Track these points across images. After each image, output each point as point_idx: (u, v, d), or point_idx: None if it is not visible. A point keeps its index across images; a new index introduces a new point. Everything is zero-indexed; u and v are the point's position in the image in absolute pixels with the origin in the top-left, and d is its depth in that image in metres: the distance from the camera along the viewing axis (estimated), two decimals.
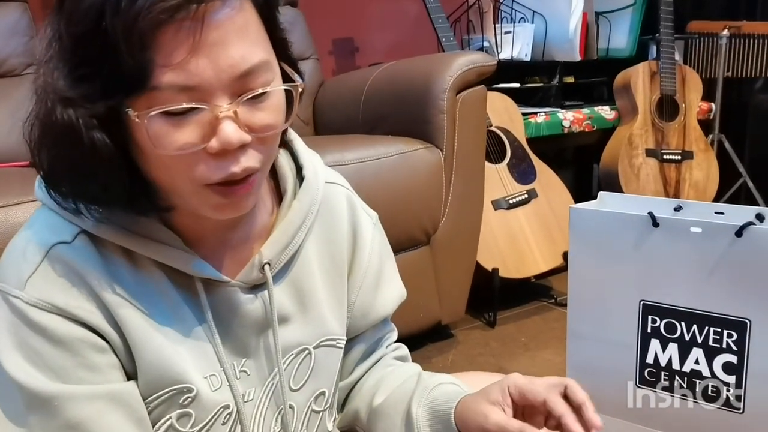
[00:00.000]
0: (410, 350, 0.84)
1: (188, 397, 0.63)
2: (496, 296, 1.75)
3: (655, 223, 1.05)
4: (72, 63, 0.52)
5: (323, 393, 0.73)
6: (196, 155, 0.54)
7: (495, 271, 1.73)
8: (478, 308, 1.80)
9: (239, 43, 0.53)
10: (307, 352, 0.71)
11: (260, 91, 0.54)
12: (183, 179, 0.55)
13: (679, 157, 2.24)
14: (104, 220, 0.59)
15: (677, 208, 1.12)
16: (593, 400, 1.12)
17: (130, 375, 0.62)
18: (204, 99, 0.52)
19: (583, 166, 2.54)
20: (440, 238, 1.52)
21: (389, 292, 0.78)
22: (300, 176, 0.70)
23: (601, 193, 1.20)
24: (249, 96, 0.54)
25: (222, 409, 0.65)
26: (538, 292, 1.93)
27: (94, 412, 0.58)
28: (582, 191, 2.27)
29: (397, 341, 0.84)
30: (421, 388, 0.73)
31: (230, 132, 0.53)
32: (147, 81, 0.50)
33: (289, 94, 0.58)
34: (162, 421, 0.63)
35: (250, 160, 0.56)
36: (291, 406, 0.70)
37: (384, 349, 0.80)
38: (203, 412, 0.64)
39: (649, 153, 2.23)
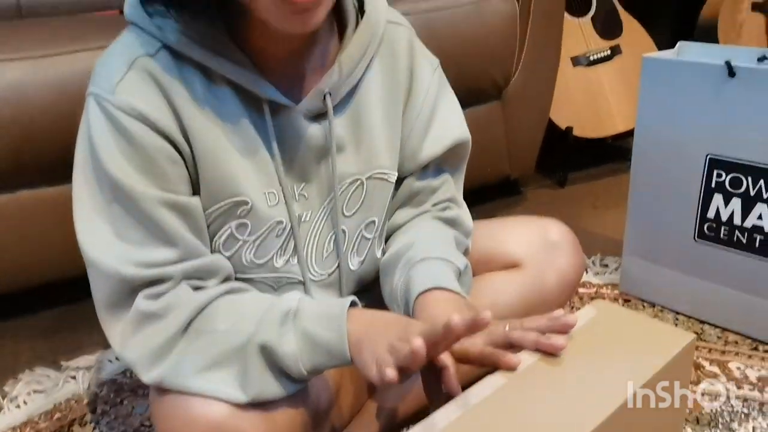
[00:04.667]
0: (476, 204, 0.84)
1: (244, 209, 0.69)
2: (568, 155, 1.73)
3: (732, 73, 1.01)
4: None
5: (373, 222, 0.78)
6: None
7: (569, 129, 1.70)
8: (549, 167, 1.79)
9: None
10: (359, 182, 0.76)
11: None
12: None
13: None
14: (185, 37, 0.64)
15: (761, 58, 1.06)
16: (653, 253, 1.13)
17: (195, 188, 0.69)
18: None
19: (683, 23, 2.36)
20: (512, 93, 1.50)
21: (439, 134, 0.79)
22: (362, 12, 0.73)
23: (680, 43, 1.15)
24: None
25: (276, 223, 0.71)
26: (614, 153, 1.89)
27: (165, 216, 0.65)
28: None
29: (467, 197, 0.84)
30: (405, 261, 0.74)
31: None
32: None
33: None
34: (223, 230, 0.70)
35: None
36: (343, 231, 0.76)
37: (430, 204, 0.81)
38: (258, 224, 0.71)
39: (756, 7, 2.04)
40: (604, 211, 1.60)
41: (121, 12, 1.21)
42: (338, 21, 0.73)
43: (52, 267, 1.18)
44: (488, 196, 1.63)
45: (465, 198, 0.85)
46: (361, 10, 0.73)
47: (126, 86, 0.64)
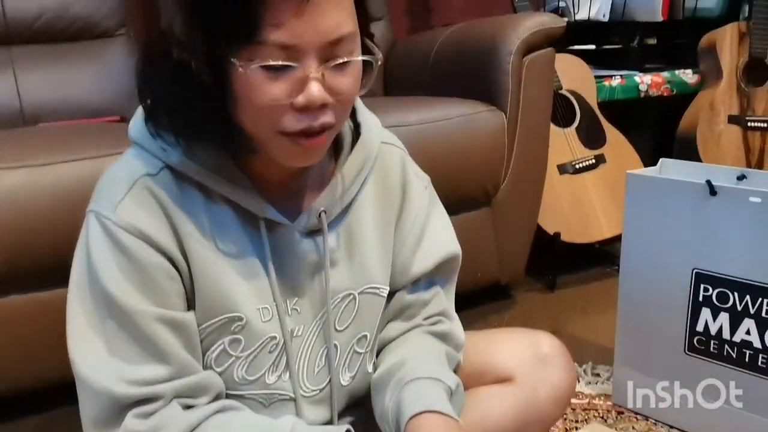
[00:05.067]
0: (467, 308, 0.85)
1: (238, 325, 0.70)
2: (556, 260, 1.76)
3: (713, 192, 1.04)
4: (193, 15, 0.59)
5: (365, 336, 0.78)
6: (282, 107, 0.61)
7: (557, 235, 1.73)
8: (538, 271, 1.81)
9: (336, 12, 0.59)
10: (352, 296, 0.76)
11: (346, 59, 0.61)
12: (267, 126, 0.62)
13: (766, 125, 2.14)
14: (188, 159, 0.66)
15: (740, 177, 1.11)
16: (644, 365, 1.14)
17: (190, 303, 0.69)
18: (298, 58, 0.59)
19: (663, 133, 2.46)
20: (501, 200, 1.54)
21: (430, 249, 0.81)
22: (357, 133, 0.76)
23: (662, 160, 1.19)
24: (336, 62, 0.60)
25: (269, 339, 0.72)
26: (601, 258, 1.92)
27: (160, 332, 0.65)
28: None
29: (457, 301, 0.84)
30: (396, 380, 0.74)
31: (316, 92, 0.60)
32: (255, 36, 0.57)
33: (366, 65, 0.64)
34: (216, 345, 0.70)
35: (327, 117, 0.62)
36: (335, 345, 0.76)
37: (421, 318, 0.82)
38: (252, 340, 0.71)
39: (732, 119, 2.13)
40: (594, 317, 1.61)
41: (122, 119, 1.25)
42: (334, 141, 0.76)
43: (37, 372, 1.15)
44: (478, 300, 1.64)
45: (455, 302, 0.85)
46: (356, 131, 0.76)
47: (127, 205, 0.65)
